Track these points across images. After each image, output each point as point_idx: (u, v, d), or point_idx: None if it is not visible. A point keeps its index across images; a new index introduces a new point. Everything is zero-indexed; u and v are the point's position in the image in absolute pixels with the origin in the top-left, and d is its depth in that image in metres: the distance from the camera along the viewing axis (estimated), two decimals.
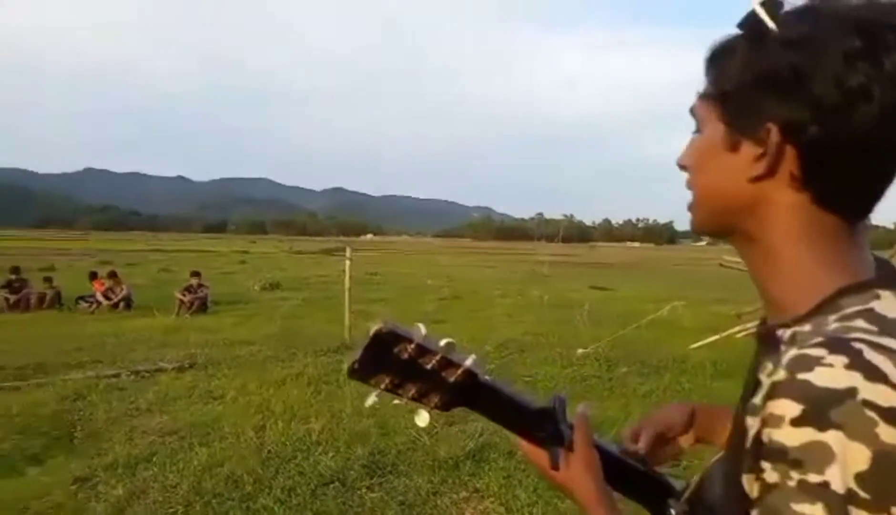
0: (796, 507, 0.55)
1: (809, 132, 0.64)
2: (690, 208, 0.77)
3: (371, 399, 0.84)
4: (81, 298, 13.86)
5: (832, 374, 0.56)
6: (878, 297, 0.64)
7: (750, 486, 0.61)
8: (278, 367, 7.62)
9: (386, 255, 48.07)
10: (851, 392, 0.55)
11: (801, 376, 0.57)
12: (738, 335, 9.28)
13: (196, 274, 13.89)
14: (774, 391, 0.59)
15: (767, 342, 0.70)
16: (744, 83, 0.67)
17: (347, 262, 10.25)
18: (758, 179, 0.68)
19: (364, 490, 4.22)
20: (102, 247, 52.14)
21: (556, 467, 0.86)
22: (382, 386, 0.81)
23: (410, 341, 0.79)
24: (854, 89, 0.62)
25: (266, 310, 13.35)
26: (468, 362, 0.82)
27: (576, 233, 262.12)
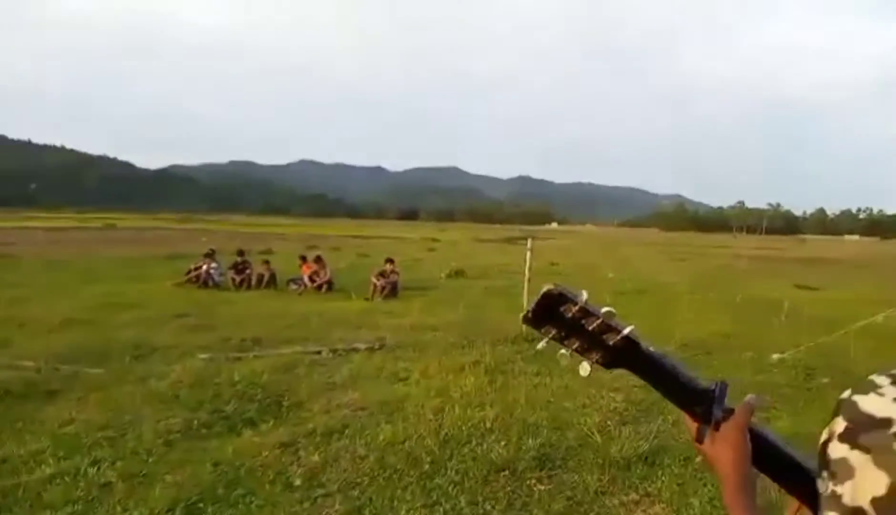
0: (827, 514, 0.61)
1: None
2: None
3: (541, 344, 0.95)
4: (292, 280, 15.50)
5: (879, 402, 0.60)
6: None
7: (822, 488, 0.66)
8: (459, 353, 7.99)
9: (569, 244, 47.56)
10: (888, 423, 0.58)
11: (855, 397, 0.62)
12: None
13: (390, 261, 14.92)
14: (837, 408, 0.64)
15: None
16: None
17: (528, 252, 10.38)
18: None
19: (533, 482, 4.33)
20: (312, 232, 57.61)
21: (700, 440, 0.94)
22: (550, 336, 0.92)
23: (575, 303, 0.89)
24: None
25: (450, 297, 13.96)
26: (627, 330, 0.92)
27: (782, 224, 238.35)
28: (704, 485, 4.28)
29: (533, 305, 0.90)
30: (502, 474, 4.43)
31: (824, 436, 0.66)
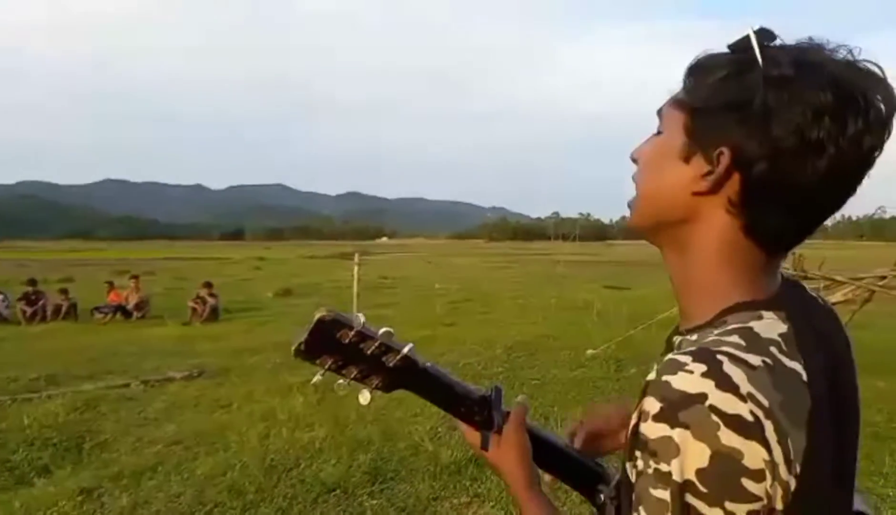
0: (653, 491, 0.63)
1: (757, 167, 0.67)
2: (630, 204, 0.81)
3: (316, 378, 0.91)
4: (97, 308, 14.02)
5: (689, 379, 0.62)
6: (760, 317, 0.69)
7: (630, 472, 0.68)
8: (286, 375, 7.64)
9: (399, 257, 48.18)
10: (701, 397, 0.61)
11: (665, 378, 0.64)
12: None
13: (207, 284, 14.00)
14: (646, 389, 0.66)
15: (668, 347, 0.79)
16: (715, 102, 0.70)
17: (356, 267, 10.27)
18: (699, 193, 0.71)
19: (365, 497, 4.21)
20: (120, 256, 52.82)
21: (485, 447, 0.96)
22: (326, 367, 0.87)
23: (351, 327, 0.85)
24: (811, 142, 0.65)
25: (278, 317, 13.43)
26: (406, 349, 0.89)
27: (593, 231, 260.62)
28: None
29: (305, 335, 0.84)
30: (333, 494, 4.27)
31: (633, 420, 0.66)
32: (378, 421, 5.77)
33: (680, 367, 0.63)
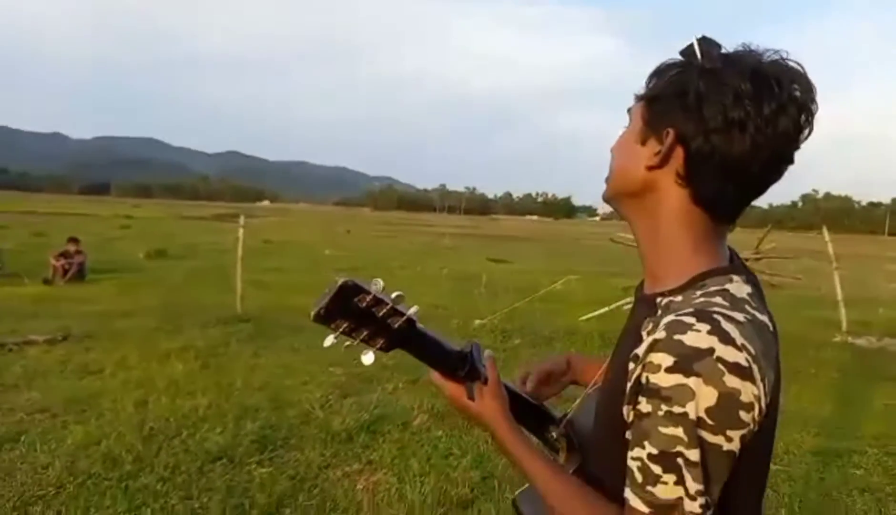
0: (663, 429, 0.76)
1: (695, 143, 0.84)
2: (606, 180, 0.98)
3: (329, 340, 0.93)
4: None
5: (698, 337, 0.76)
6: (731, 280, 0.86)
7: (627, 414, 0.82)
8: (163, 340, 7.24)
9: (282, 223, 46.83)
10: (710, 351, 0.75)
11: (677, 336, 0.76)
12: (625, 308, 9.76)
13: (73, 239, 12.89)
14: (655, 346, 0.78)
15: (646, 305, 0.90)
16: (665, 94, 0.87)
17: (241, 230, 9.83)
18: (652, 168, 0.88)
19: (253, 466, 4.09)
20: None
21: (472, 397, 1.03)
22: (340, 330, 0.91)
23: (368, 292, 0.90)
24: (734, 120, 0.81)
25: (151, 279, 12.67)
26: (411, 311, 0.95)
27: (478, 205, 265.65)
28: (422, 446, 4.49)
29: (327, 300, 0.89)
30: (219, 462, 4.10)
31: (638, 371, 0.80)
32: (265, 389, 5.62)
33: (688, 327, 0.77)
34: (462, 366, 1.04)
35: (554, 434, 1.15)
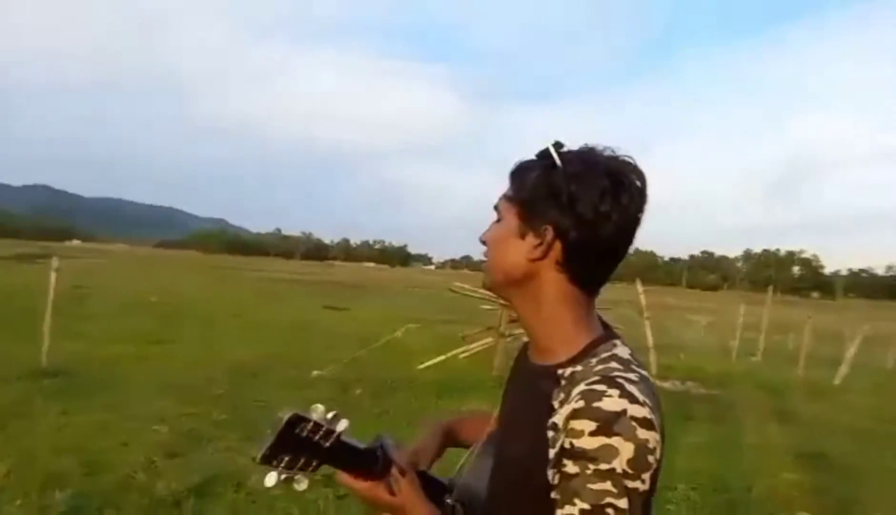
0: (592, 486, 0.86)
1: (571, 235, 0.98)
2: (486, 270, 1.10)
3: (272, 479, 0.93)
4: None
5: (612, 402, 0.88)
6: (615, 345, 1.00)
7: (553, 477, 0.91)
8: None
9: (98, 264, 42.78)
10: (624, 412, 0.87)
11: (595, 404, 0.88)
12: (462, 356, 10.06)
13: None
14: (576, 415, 0.88)
15: (545, 377, 1.00)
16: (537, 195, 1.01)
17: (53, 273, 8.83)
18: (534, 260, 1.01)
19: None
20: None
21: (393, 492, 1.06)
22: (282, 465, 0.92)
23: (309, 420, 0.91)
24: (602, 213, 0.96)
25: None
26: (340, 427, 0.96)
27: (314, 250, 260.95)
28: (258, 509, 4.26)
29: (273, 439, 0.89)
30: None
31: (560, 438, 0.90)
32: (77, 452, 5.03)
33: (602, 394, 0.88)
34: (376, 462, 1.06)
35: (450, 501, 1.19)
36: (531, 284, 1.03)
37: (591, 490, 0.87)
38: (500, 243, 1.06)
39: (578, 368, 0.96)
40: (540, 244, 1.00)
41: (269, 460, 0.91)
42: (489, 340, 10.05)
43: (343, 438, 0.99)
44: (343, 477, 1.07)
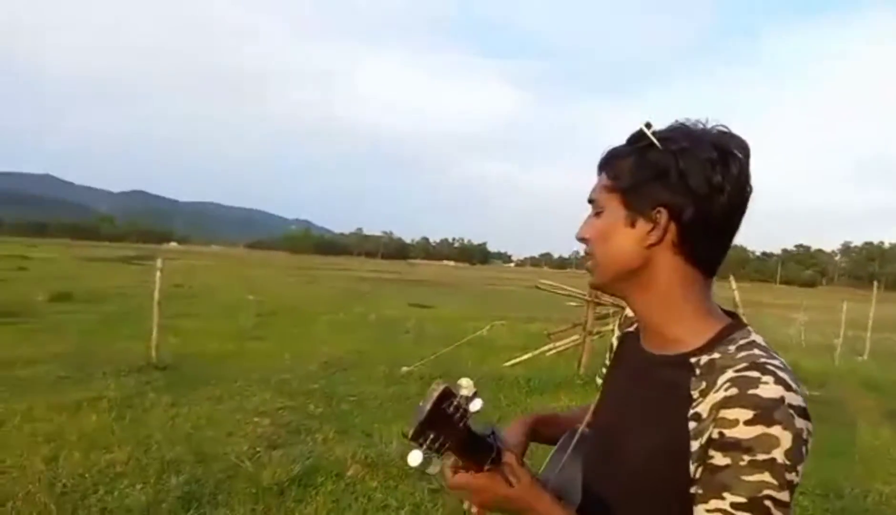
0: (747, 478, 0.82)
1: (686, 213, 0.94)
2: (592, 268, 1.05)
3: (417, 458, 0.87)
4: None
5: (770, 389, 0.84)
6: (749, 332, 0.95)
7: (695, 471, 0.87)
8: (72, 389, 6.77)
9: (195, 265, 45.11)
10: (782, 400, 0.84)
11: (751, 391, 0.84)
12: (548, 354, 9.98)
13: None
14: (728, 403, 0.84)
15: (675, 366, 0.96)
16: (642, 178, 0.96)
17: (158, 272, 9.41)
18: (650, 245, 0.97)
19: None
20: None
21: (511, 483, 0.97)
22: (426, 443, 0.86)
23: (455, 396, 0.87)
24: (715, 185, 0.92)
25: (54, 325, 11.84)
26: (474, 407, 0.89)
27: (395, 250, 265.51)
28: (357, 498, 4.39)
29: (425, 415, 0.84)
30: None
31: (708, 427, 0.86)
32: (188, 441, 5.34)
33: (757, 381, 0.85)
34: (490, 451, 0.96)
35: None
36: (647, 272, 0.98)
37: (746, 482, 0.82)
38: (609, 236, 1.01)
39: (716, 355, 0.92)
40: (654, 229, 0.96)
41: (417, 437, 0.85)
42: (576, 337, 9.92)
43: (469, 422, 0.90)
44: (458, 479, 0.98)
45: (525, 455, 1.22)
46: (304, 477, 4.66)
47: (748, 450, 0.82)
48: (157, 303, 9.10)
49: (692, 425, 0.89)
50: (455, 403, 0.87)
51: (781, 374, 0.86)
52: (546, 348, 9.92)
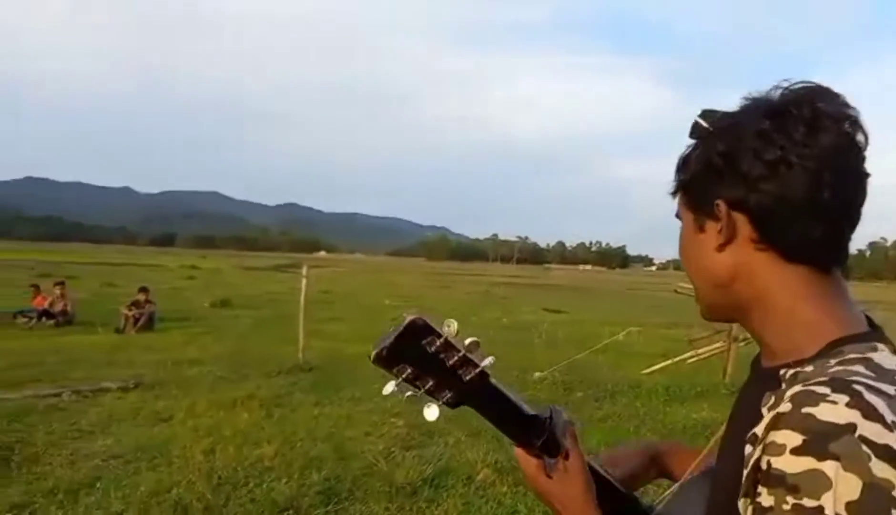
0: None
1: (750, 200, 0.75)
2: (697, 298, 0.87)
3: (389, 387, 0.82)
4: (20, 312, 13.23)
5: (835, 410, 0.61)
6: (875, 349, 0.71)
7: (744, 509, 0.66)
8: (229, 388, 7.40)
9: (339, 273, 47.62)
10: (851, 428, 0.60)
11: (806, 410, 0.62)
12: (689, 361, 9.47)
13: (143, 289, 13.44)
14: (778, 422, 0.64)
15: (766, 379, 0.76)
16: (696, 174, 0.82)
17: (304, 280, 10.05)
18: (722, 246, 0.79)
19: None
20: (41, 258, 50.20)
21: (549, 475, 0.90)
22: (403, 376, 0.81)
23: (439, 335, 0.80)
24: (773, 161, 0.73)
25: (216, 328, 13.01)
26: (486, 362, 0.83)
27: (530, 255, 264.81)
28: (487, 502, 4.40)
29: (391, 340, 0.79)
30: (285, 513, 4.13)
31: (757, 454, 0.66)
32: (329, 439, 5.64)
33: (821, 398, 0.62)
34: (538, 435, 0.89)
35: None
36: (739, 283, 0.79)
37: None
38: (686, 249, 0.85)
39: (808, 368, 0.71)
40: (720, 226, 0.78)
41: (386, 363, 0.79)
42: (720, 344, 9.33)
43: (494, 382, 0.85)
44: (516, 450, 0.91)
45: (638, 480, 1.08)
46: (436, 479, 4.75)
47: (793, 490, 0.61)
48: (304, 309, 9.72)
49: (748, 449, 0.68)
50: (439, 343, 0.79)
51: (870, 397, 0.62)
52: (687, 355, 9.43)
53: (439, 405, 0.84)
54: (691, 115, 0.86)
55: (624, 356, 10.54)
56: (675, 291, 9.82)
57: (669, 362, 9.33)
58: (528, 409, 0.90)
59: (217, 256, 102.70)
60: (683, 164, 0.84)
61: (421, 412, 0.84)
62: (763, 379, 0.78)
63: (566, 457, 0.90)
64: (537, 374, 8.70)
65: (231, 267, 52.44)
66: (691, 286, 0.87)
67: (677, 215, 0.87)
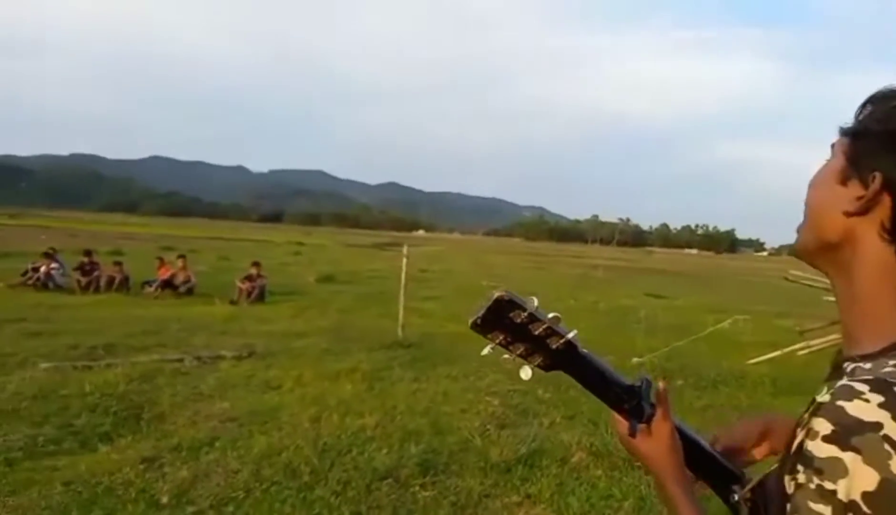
0: (813, 505, 0.66)
1: None
2: (799, 228, 0.85)
3: (486, 350, 0.95)
4: (147, 282, 14.40)
5: (865, 408, 0.65)
6: None
7: (788, 484, 0.72)
8: (333, 360, 7.77)
9: (438, 251, 48.28)
10: (877, 426, 0.64)
11: (840, 403, 0.67)
12: (800, 353, 8.96)
13: (256, 264, 14.29)
14: (818, 410, 0.69)
15: (836, 371, 0.80)
16: (874, 131, 0.76)
17: (405, 258, 10.32)
18: (850, 214, 0.77)
19: (417, 489, 4.26)
20: (164, 232, 54.11)
21: (633, 434, 0.96)
22: (497, 341, 0.93)
23: (524, 309, 0.90)
24: None
25: (321, 302, 13.61)
26: (570, 334, 0.94)
27: (631, 237, 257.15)
28: (581, 485, 4.42)
29: (482, 311, 0.91)
30: (385, 482, 4.33)
31: (799, 436, 0.71)
32: (427, 414, 5.82)
33: (857, 394, 0.67)
34: (629, 400, 0.99)
35: (735, 496, 1.03)
36: (845, 250, 0.78)
37: (811, 510, 0.66)
38: (818, 184, 0.83)
39: (868, 365, 0.73)
40: (862, 196, 0.75)
41: (481, 329, 0.91)
42: (834, 336, 8.76)
43: (583, 351, 0.95)
44: (614, 415, 0.99)
45: (749, 454, 1.07)
46: (530, 458, 4.82)
47: (818, 472, 0.66)
48: (404, 286, 10.00)
49: (797, 431, 0.73)
50: (524, 316, 0.90)
51: None
52: (798, 346, 8.89)
53: (532, 368, 0.95)
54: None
55: (729, 345, 10.13)
56: (786, 278, 9.28)
57: (778, 353, 8.86)
58: (618, 377, 1.00)
59: (321, 232, 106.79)
60: (871, 107, 0.79)
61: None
62: (834, 370, 0.81)
63: (648, 421, 0.96)
64: (635, 359, 8.55)
65: (334, 244, 54.40)
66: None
67: (832, 145, 0.84)
